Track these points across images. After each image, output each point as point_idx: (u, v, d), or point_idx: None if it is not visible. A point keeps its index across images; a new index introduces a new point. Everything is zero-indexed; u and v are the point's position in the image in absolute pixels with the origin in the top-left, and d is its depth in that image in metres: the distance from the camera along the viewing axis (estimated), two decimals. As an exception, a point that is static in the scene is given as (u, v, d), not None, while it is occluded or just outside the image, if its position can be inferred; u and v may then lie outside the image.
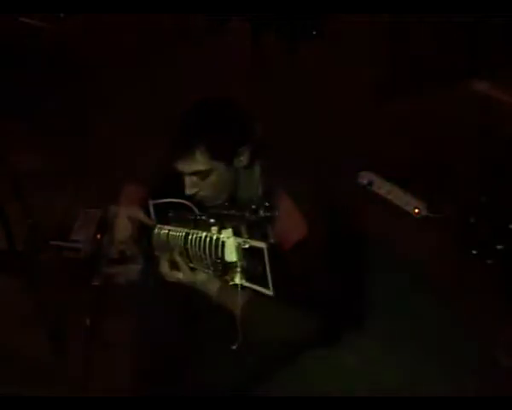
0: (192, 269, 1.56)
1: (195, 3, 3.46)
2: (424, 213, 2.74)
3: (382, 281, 2.31)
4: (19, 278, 2.41)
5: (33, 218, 2.70)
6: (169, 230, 1.67)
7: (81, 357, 2.10)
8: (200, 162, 1.66)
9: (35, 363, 2.30)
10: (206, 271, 1.46)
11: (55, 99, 3.45)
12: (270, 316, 1.58)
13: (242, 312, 1.43)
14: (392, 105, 3.32)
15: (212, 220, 1.43)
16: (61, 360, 2.28)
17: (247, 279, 1.30)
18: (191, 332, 1.83)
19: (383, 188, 2.88)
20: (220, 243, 1.35)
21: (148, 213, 1.82)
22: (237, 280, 1.32)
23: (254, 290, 1.28)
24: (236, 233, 1.33)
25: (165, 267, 1.62)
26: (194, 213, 1.60)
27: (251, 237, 1.30)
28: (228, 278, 1.34)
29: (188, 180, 1.70)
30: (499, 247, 2.48)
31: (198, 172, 1.67)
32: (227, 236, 1.34)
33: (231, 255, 1.32)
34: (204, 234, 1.43)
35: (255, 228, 1.35)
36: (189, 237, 1.51)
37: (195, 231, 1.49)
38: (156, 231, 1.76)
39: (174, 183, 1.74)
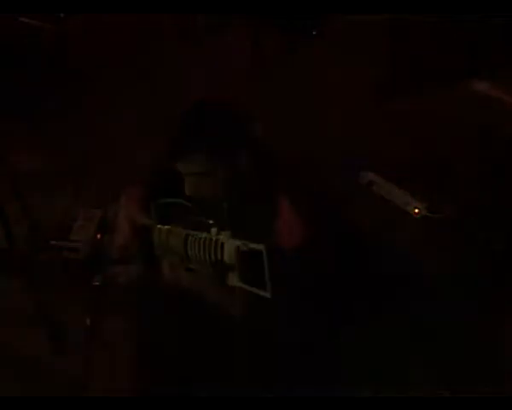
0: (190, 270, 1.56)
1: (195, 3, 3.46)
2: (424, 213, 2.74)
3: (382, 281, 2.31)
4: (19, 278, 2.41)
5: (33, 218, 2.70)
6: (169, 230, 1.67)
7: (81, 357, 2.09)
8: (199, 163, 1.66)
9: (35, 363, 2.30)
10: (206, 272, 1.46)
11: (55, 99, 3.45)
12: (268, 317, 1.58)
13: (240, 313, 1.43)
14: (392, 105, 3.32)
15: (211, 221, 1.43)
16: (60, 360, 2.28)
17: (246, 281, 1.30)
18: (191, 332, 1.83)
19: (383, 188, 2.88)
20: (219, 244, 1.36)
21: (148, 213, 1.82)
22: (235, 282, 1.32)
23: (252, 292, 1.28)
24: (236, 236, 1.34)
25: (164, 268, 1.62)
26: (194, 214, 1.60)
27: (252, 237, 1.31)
28: (226, 279, 1.34)
29: (187, 181, 1.70)
30: (499, 247, 2.48)
31: (197, 173, 1.67)
32: (226, 237, 1.34)
33: (230, 257, 1.33)
34: (203, 235, 1.44)
35: (256, 228, 1.36)
36: (189, 238, 1.51)
37: (195, 233, 1.49)
38: (156, 231, 1.76)
39: (174, 183, 1.74)
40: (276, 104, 3.31)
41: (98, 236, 2.62)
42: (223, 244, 1.35)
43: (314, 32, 3.87)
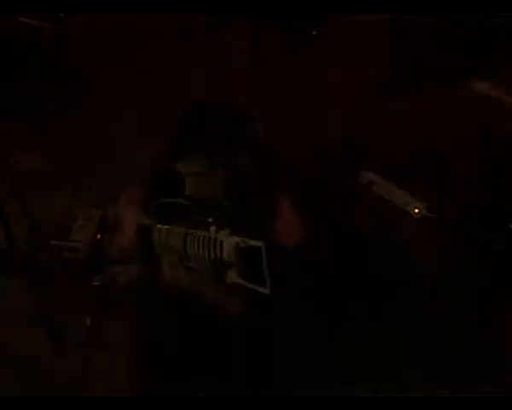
0: (189, 269, 1.57)
1: (195, 3, 3.46)
2: (424, 213, 2.74)
3: (382, 281, 2.31)
4: (19, 278, 2.41)
5: (33, 218, 2.70)
6: (169, 230, 1.67)
7: (81, 357, 2.10)
8: (198, 163, 1.66)
9: (35, 363, 2.30)
10: (205, 270, 1.46)
11: (55, 99, 3.45)
12: (268, 317, 1.58)
13: (240, 312, 1.43)
14: (392, 105, 3.32)
15: (210, 220, 1.43)
16: (60, 360, 2.28)
17: (245, 278, 1.31)
18: (190, 332, 1.83)
19: (383, 188, 2.88)
20: (218, 242, 1.36)
21: (148, 213, 1.82)
22: (235, 279, 1.32)
23: (251, 289, 1.28)
24: (235, 233, 1.34)
25: (164, 267, 1.62)
26: (194, 214, 1.60)
27: (252, 236, 1.31)
28: (226, 276, 1.34)
29: (187, 181, 1.70)
30: (499, 247, 2.48)
31: (197, 173, 1.67)
32: (225, 235, 1.35)
33: (229, 254, 1.33)
34: (202, 234, 1.44)
35: (256, 227, 1.36)
36: (188, 236, 1.51)
37: (194, 231, 1.49)
38: (156, 231, 1.76)
39: (174, 183, 1.74)
40: (276, 104, 3.31)
41: (98, 236, 2.62)
42: (222, 242, 1.35)
43: (314, 32, 3.87)
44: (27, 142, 3.24)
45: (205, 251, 1.41)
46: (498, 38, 3.33)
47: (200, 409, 1.71)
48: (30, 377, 2.26)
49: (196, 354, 1.79)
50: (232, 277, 1.33)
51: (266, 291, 1.25)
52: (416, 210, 2.75)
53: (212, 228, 1.41)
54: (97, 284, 1.87)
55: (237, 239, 1.32)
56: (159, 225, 1.76)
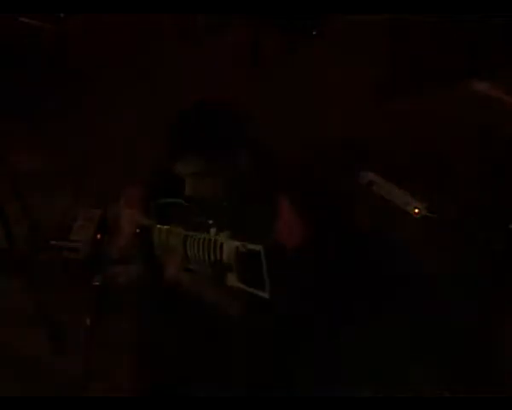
0: (189, 270, 1.57)
1: (195, 3, 3.46)
2: (424, 213, 2.74)
3: (382, 281, 2.31)
4: (19, 278, 2.41)
5: (33, 218, 2.70)
6: (169, 230, 1.67)
7: (81, 357, 2.10)
8: (196, 164, 1.66)
9: (35, 363, 2.30)
10: (205, 272, 1.46)
11: (55, 99, 3.45)
12: (268, 318, 1.58)
13: (239, 313, 1.43)
14: (392, 105, 3.32)
15: (210, 222, 1.44)
16: (60, 360, 2.28)
17: (244, 281, 1.31)
18: (190, 332, 1.83)
19: (383, 188, 2.88)
20: (218, 244, 1.36)
21: (148, 213, 1.82)
22: (234, 282, 1.32)
23: (250, 293, 1.28)
24: (235, 237, 1.34)
25: (164, 268, 1.63)
26: (194, 214, 1.60)
27: (252, 237, 1.31)
28: (225, 279, 1.34)
29: (187, 181, 1.70)
30: (499, 247, 2.48)
31: (196, 173, 1.67)
32: (225, 238, 1.35)
33: (229, 257, 1.33)
34: (203, 236, 1.44)
35: (257, 228, 1.36)
36: (188, 238, 1.51)
37: (194, 233, 1.49)
38: (156, 231, 1.76)
39: (174, 183, 1.74)
40: (276, 104, 3.31)
41: (98, 236, 2.62)
42: (222, 245, 1.35)
43: (314, 32, 3.87)
44: (27, 142, 3.24)
45: (205, 253, 1.41)
46: (498, 38, 3.33)
47: (200, 409, 1.71)
48: (30, 377, 2.26)
49: (196, 354, 1.79)
50: (232, 280, 1.33)
51: (266, 295, 1.25)
52: (416, 210, 2.75)
53: (213, 230, 1.41)
54: (97, 283, 1.87)
55: (237, 243, 1.32)
56: (159, 226, 1.76)
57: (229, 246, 1.33)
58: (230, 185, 1.73)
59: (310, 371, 1.79)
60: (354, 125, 3.18)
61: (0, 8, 2.96)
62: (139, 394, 1.87)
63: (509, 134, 2.88)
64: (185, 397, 1.74)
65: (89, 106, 3.50)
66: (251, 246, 1.28)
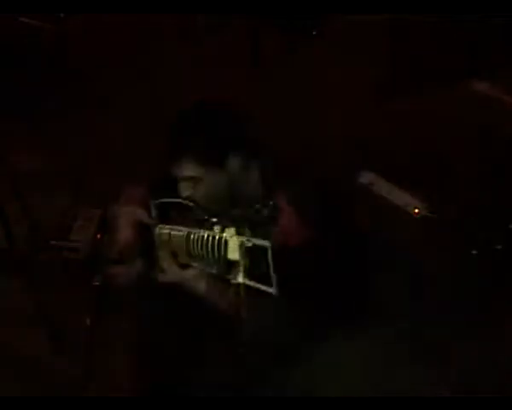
0: (184, 267, 1.57)
1: (195, 3, 3.46)
2: (424, 213, 2.74)
3: (382, 281, 2.31)
4: (19, 278, 2.41)
5: (33, 218, 2.70)
6: (170, 229, 1.67)
7: (81, 357, 2.10)
8: (191, 168, 1.66)
9: (35, 363, 2.30)
10: (209, 270, 1.46)
11: (55, 99, 3.45)
12: (268, 315, 1.58)
13: (240, 312, 1.43)
14: (392, 105, 3.32)
15: (214, 219, 1.43)
16: (60, 360, 2.28)
17: (250, 278, 1.30)
18: (191, 332, 1.83)
19: (383, 188, 2.88)
20: (223, 241, 1.35)
21: (148, 213, 1.82)
22: (240, 279, 1.32)
23: (253, 292, 1.28)
24: (239, 233, 1.34)
25: (164, 267, 1.63)
26: (195, 213, 1.60)
27: (254, 237, 1.31)
28: (230, 276, 1.34)
29: (182, 183, 1.70)
30: (499, 247, 2.48)
31: (190, 177, 1.67)
32: (230, 234, 1.34)
33: (234, 254, 1.32)
34: (206, 233, 1.43)
35: (258, 228, 1.35)
36: (191, 236, 1.51)
37: (198, 231, 1.49)
38: (157, 230, 1.76)
39: (174, 183, 1.74)
40: (276, 104, 3.31)
41: (98, 236, 2.62)
42: (226, 241, 1.34)
43: (314, 32, 3.87)
44: (27, 142, 3.24)
45: (209, 251, 1.41)
46: (498, 38, 3.33)
47: (200, 409, 1.71)
48: (30, 377, 2.26)
49: (196, 354, 1.79)
50: (237, 277, 1.32)
51: (273, 291, 1.25)
52: (416, 210, 2.75)
53: (217, 227, 1.40)
54: (97, 283, 1.87)
55: (242, 238, 1.31)
56: (160, 225, 1.76)
57: (234, 242, 1.32)
58: (230, 185, 1.73)
59: (310, 371, 1.79)
60: (354, 125, 3.17)
61: (0, 8, 2.96)
62: (139, 394, 1.87)
63: (509, 134, 2.88)
64: (185, 397, 1.74)
65: (89, 106, 3.50)
66: (257, 241, 1.28)
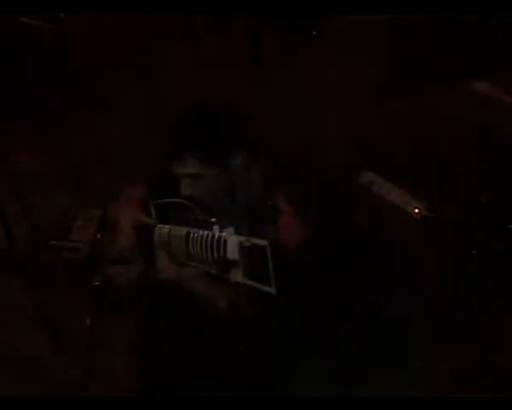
0: (184, 266, 1.57)
1: (195, 3, 3.46)
2: (424, 213, 2.74)
3: (382, 281, 2.31)
4: (19, 278, 2.41)
5: (33, 218, 2.70)
6: (170, 229, 1.67)
7: (81, 357, 2.10)
8: (192, 166, 1.66)
9: (35, 363, 2.30)
10: (208, 270, 1.46)
11: (55, 99, 3.45)
12: (268, 317, 1.58)
13: (239, 312, 1.43)
14: (392, 105, 3.32)
15: (213, 219, 1.43)
16: (60, 360, 2.28)
17: (249, 277, 1.30)
18: (191, 332, 1.83)
19: (383, 188, 2.88)
20: (222, 240, 1.36)
21: (148, 212, 1.82)
22: (239, 278, 1.32)
23: (252, 292, 1.28)
24: (238, 232, 1.34)
25: (164, 267, 1.63)
26: (195, 213, 1.60)
27: (253, 236, 1.31)
28: (230, 276, 1.34)
29: (182, 182, 1.70)
30: (499, 247, 2.48)
31: (191, 175, 1.67)
32: (229, 234, 1.34)
33: (233, 253, 1.32)
34: (206, 232, 1.43)
35: (258, 227, 1.36)
36: (191, 235, 1.51)
37: (197, 230, 1.49)
38: (157, 230, 1.76)
39: (174, 182, 1.74)
40: (276, 104, 3.31)
41: (98, 236, 2.62)
42: (225, 241, 1.34)
43: (314, 32, 3.87)
44: (27, 142, 3.24)
45: (208, 250, 1.41)
46: (498, 38, 3.33)
47: (200, 409, 1.71)
48: (30, 377, 2.26)
49: (196, 354, 1.79)
50: (236, 276, 1.33)
51: (272, 290, 1.25)
52: (416, 210, 2.75)
53: (216, 227, 1.40)
54: (97, 283, 1.87)
55: (241, 238, 1.31)
56: (159, 225, 1.76)
57: (233, 242, 1.32)
58: (230, 185, 1.73)
59: (310, 371, 1.79)
60: (354, 125, 3.17)
61: (0, 8, 2.96)
62: (139, 394, 1.87)
63: (509, 134, 2.88)
64: (185, 397, 1.74)
65: (89, 106, 3.50)
66: (256, 240, 1.28)
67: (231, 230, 1.35)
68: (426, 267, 2.41)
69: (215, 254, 1.38)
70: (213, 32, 4.02)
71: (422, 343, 2.16)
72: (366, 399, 1.89)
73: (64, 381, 2.19)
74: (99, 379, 2.13)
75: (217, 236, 1.38)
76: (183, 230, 1.56)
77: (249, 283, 1.30)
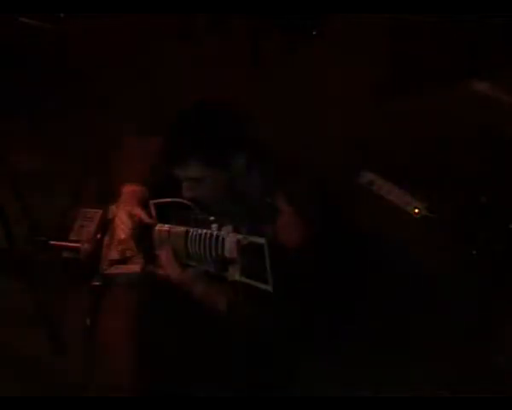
0: (188, 266, 1.57)
1: (195, 3, 3.46)
2: (424, 213, 2.74)
3: (382, 281, 2.31)
4: (19, 278, 2.41)
5: (33, 218, 2.70)
6: (169, 228, 1.67)
7: (81, 357, 2.10)
8: (193, 169, 1.66)
9: (35, 363, 2.30)
10: (206, 268, 1.46)
11: (55, 99, 3.45)
12: (267, 317, 1.58)
13: (239, 312, 1.43)
14: (392, 105, 3.31)
15: (212, 218, 1.44)
16: (60, 360, 2.28)
17: (247, 275, 1.31)
18: (191, 332, 1.83)
19: (383, 188, 2.88)
20: (220, 239, 1.36)
21: (148, 212, 1.82)
22: (237, 276, 1.32)
23: (252, 292, 1.28)
24: (237, 231, 1.34)
25: (164, 267, 1.63)
26: (195, 213, 1.60)
27: (251, 235, 1.31)
28: (227, 274, 1.34)
29: (184, 184, 1.70)
30: (499, 247, 2.48)
31: (192, 178, 1.67)
32: (227, 232, 1.35)
33: (231, 252, 1.33)
34: (204, 231, 1.44)
35: (257, 227, 1.36)
36: (189, 234, 1.51)
37: (195, 229, 1.49)
38: (157, 230, 1.77)
39: (174, 182, 1.74)
40: (276, 104, 3.31)
41: (98, 236, 2.62)
42: (223, 239, 1.35)
43: (314, 32, 3.87)
44: (27, 142, 3.24)
45: (206, 249, 1.41)
46: (498, 38, 3.32)
47: (200, 409, 1.71)
48: (30, 377, 2.26)
49: (196, 354, 1.79)
50: (234, 274, 1.33)
51: (269, 288, 1.25)
52: (416, 210, 2.75)
53: (214, 226, 1.41)
54: (97, 284, 1.87)
55: (239, 236, 1.32)
56: (159, 225, 1.76)
57: (231, 240, 1.33)
58: (230, 186, 1.73)
59: (310, 371, 1.79)
60: (354, 125, 3.17)
61: (0, 8, 2.96)
62: (139, 394, 1.87)
63: (509, 134, 2.88)
64: (185, 397, 1.74)
65: (89, 106, 3.50)
66: (253, 238, 1.28)
67: (229, 228, 1.35)
68: (426, 267, 2.42)
69: (213, 253, 1.38)
70: (213, 32, 4.02)
71: (422, 343, 2.16)
72: (366, 399, 1.89)
73: (64, 381, 2.19)
74: (99, 379, 2.13)
75: (215, 234, 1.39)
76: (183, 229, 1.56)
77: (246, 281, 1.30)
